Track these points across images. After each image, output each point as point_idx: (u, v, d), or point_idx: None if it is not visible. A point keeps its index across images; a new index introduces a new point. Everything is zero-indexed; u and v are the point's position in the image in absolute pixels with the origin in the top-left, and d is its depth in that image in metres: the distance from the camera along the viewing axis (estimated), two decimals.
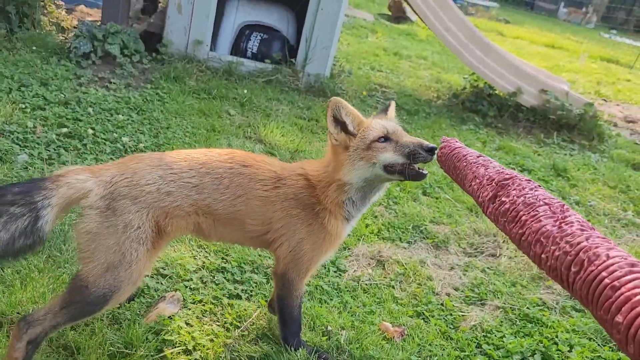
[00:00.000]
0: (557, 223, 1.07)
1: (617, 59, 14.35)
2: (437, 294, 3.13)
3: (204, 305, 2.64)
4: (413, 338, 2.65)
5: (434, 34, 11.64)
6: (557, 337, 2.85)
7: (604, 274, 0.91)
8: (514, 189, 1.24)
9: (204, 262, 2.98)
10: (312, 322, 2.63)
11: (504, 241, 3.79)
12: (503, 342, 2.75)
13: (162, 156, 2.15)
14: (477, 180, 1.41)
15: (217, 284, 2.82)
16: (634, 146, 6.81)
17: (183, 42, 6.06)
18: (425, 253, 3.57)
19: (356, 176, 2.13)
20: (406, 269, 3.29)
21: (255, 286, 2.86)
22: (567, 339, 2.83)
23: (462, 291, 3.21)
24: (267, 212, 2.17)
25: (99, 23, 5.91)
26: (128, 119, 4.51)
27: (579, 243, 0.99)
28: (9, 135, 3.81)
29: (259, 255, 3.12)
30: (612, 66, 13.42)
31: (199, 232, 2.22)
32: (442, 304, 3.04)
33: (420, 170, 2.08)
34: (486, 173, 1.40)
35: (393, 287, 3.12)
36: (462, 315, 2.97)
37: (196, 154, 2.19)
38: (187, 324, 2.47)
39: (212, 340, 2.41)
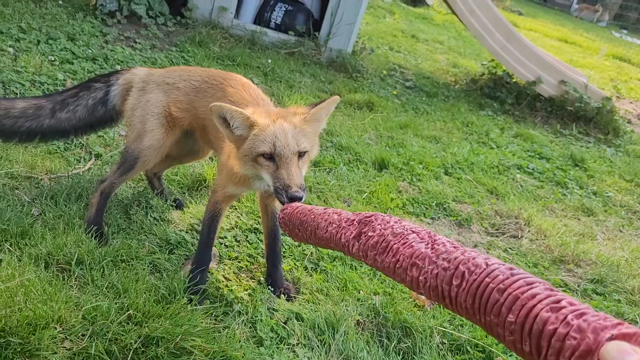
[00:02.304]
0: (430, 246, 1.06)
1: (630, 59, 14.33)
2: None
3: (239, 262, 2.67)
4: (442, 307, 2.70)
5: (451, 19, 11.57)
6: None
7: (487, 279, 0.91)
8: (379, 224, 1.22)
9: (236, 222, 3.00)
10: (344, 285, 2.67)
11: (525, 224, 3.83)
12: None
13: (195, 68, 2.71)
14: (335, 225, 1.34)
15: (250, 243, 2.85)
16: None
17: (208, 8, 6.01)
18: (449, 230, 3.61)
19: (249, 173, 2.11)
20: None
21: (288, 248, 2.89)
22: None
23: None
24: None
25: None
26: None
27: (456, 258, 0.98)
28: (39, 86, 3.80)
29: None
30: (624, 65, 13.41)
31: (198, 132, 2.61)
32: None
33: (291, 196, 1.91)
34: (342, 217, 1.34)
35: None
36: None
37: (215, 71, 2.60)
38: (225, 278, 2.51)
39: (250, 295, 2.44)
